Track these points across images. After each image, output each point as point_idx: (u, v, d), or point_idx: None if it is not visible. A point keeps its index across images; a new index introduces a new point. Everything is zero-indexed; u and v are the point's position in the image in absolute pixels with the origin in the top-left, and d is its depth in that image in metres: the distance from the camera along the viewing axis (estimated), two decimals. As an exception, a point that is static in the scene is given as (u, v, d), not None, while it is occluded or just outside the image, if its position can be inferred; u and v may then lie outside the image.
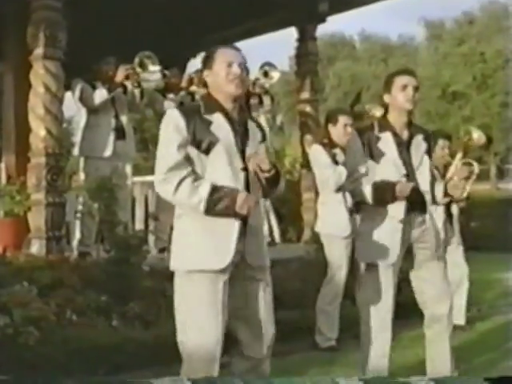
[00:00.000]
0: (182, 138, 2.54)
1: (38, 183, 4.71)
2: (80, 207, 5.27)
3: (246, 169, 2.59)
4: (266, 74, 6.02)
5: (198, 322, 2.52)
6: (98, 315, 4.01)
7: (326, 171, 4.53)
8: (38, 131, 4.75)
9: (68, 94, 5.45)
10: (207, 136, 2.55)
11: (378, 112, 4.53)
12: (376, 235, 3.25)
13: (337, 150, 4.53)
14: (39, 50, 4.74)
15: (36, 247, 4.67)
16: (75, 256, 5.09)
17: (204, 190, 2.50)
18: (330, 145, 4.59)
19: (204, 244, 2.55)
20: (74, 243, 5.51)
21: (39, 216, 4.69)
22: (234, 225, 2.55)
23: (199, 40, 7.78)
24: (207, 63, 2.69)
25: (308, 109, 6.98)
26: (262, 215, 2.71)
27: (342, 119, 4.58)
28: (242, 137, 2.63)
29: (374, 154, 3.27)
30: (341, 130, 4.56)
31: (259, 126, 2.77)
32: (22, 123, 5.06)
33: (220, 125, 2.59)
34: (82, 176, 5.47)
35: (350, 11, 7.33)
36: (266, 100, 6.17)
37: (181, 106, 5.77)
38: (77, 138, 5.56)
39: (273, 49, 22.11)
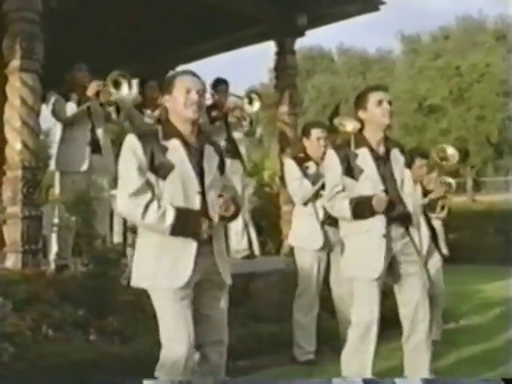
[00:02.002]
0: (140, 161, 2.66)
1: (13, 196, 4.64)
2: (57, 220, 5.20)
3: (203, 192, 2.72)
4: (250, 101, 6.00)
5: (168, 333, 2.65)
6: (75, 330, 3.95)
7: (294, 185, 4.56)
8: (14, 144, 4.68)
9: (45, 107, 5.38)
10: (164, 162, 2.67)
11: (349, 126, 4.55)
12: (360, 250, 3.26)
13: (310, 163, 4.54)
14: (15, 63, 4.66)
15: (11, 261, 4.58)
16: (52, 270, 5.00)
17: (170, 217, 2.63)
18: (305, 158, 4.61)
19: (162, 262, 2.66)
20: (51, 257, 5.43)
21: (15, 229, 4.61)
22: (192, 244, 2.66)
23: (178, 53, 7.79)
24: (167, 88, 2.80)
25: (287, 122, 6.99)
26: (222, 235, 2.87)
27: (315, 132, 4.59)
28: (198, 161, 2.74)
29: (353, 172, 3.30)
30: (314, 144, 4.58)
31: (218, 150, 2.88)
32: (-3, 136, 4.98)
33: (176, 151, 2.70)
34: (57, 189, 5.40)
35: (328, 25, 7.40)
36: (246, 124, 6.19)
37: (158, 122, 5.78)
38: (53, 151, 5.49)
39: (253, 61, 22.21)
